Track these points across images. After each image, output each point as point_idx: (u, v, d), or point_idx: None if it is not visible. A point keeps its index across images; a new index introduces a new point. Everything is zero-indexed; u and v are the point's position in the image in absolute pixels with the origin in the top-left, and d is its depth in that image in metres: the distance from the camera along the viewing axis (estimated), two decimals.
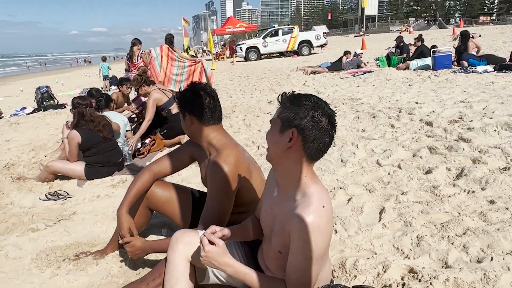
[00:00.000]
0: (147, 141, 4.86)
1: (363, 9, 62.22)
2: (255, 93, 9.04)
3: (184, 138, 4.96)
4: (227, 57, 27.23)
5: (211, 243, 1.42)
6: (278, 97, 1.40)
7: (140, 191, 2.13)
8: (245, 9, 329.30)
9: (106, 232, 2.78)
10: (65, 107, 9.91)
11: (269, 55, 23.57)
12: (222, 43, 37.18)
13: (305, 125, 1.30)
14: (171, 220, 2.30)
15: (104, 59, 15.97)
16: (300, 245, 1.30)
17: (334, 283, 1.80)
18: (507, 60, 8.85)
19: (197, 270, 1.68)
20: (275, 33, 23.31)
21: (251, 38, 26.91)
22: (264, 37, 22.98)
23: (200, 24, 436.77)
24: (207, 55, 32.04)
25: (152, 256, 2.29)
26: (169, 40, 7.44)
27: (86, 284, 2.11)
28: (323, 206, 1.33)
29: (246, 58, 22.57)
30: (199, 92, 1.94)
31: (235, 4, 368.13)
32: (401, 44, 11.78)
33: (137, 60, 8.42)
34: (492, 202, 2.48)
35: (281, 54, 23.44)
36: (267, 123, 5.59)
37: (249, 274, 1.43)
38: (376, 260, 2.00)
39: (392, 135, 4.22)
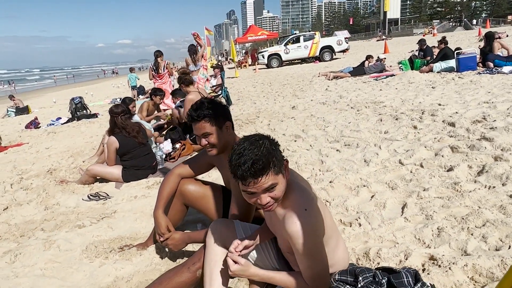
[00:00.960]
0: (178, 146, 5.13)
1: (385, 12, 61.60)
2: (278, 99, 9.24)
3: None
4: (249, 65, 27.63)
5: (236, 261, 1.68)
6: (247, 172, 1.39)
7: (170, 193, 2.35)
8: (266, 17, 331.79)
9: (145, 228, 3.03)
10: (97, 117, 10.41)
11: (291, 62, 23.78)
12: (244, 51, 37.69)
13: (280, 154, 1.48)
14: (205, 214, 2.52)
15: (132, 70, 16.59)
16: (299, 249, 1.49)
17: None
18: None
19: None
20: (297, 40, 23.50)
21: (273, 46, 27.21)
22: (286, 44, 23.22)
23: (221, 33, 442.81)
24: (229, 63, 32.56)
25: (189, 248, 2.50)
26: (193, 50, 7.84)
27: (132, 271, 2.35)
28: (305, 210, 1.49)
29: (268, 65, 22.84)
30: (218, 101, 2.16)
31: (255, 12, 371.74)
32: (424, 47, 11.73)
33: (163, 71, 8.84)
34: None
35: (303, 61, 23.60)
36: (291, 127, 5.77)
37: (273, 278, 1.69)
38: (398, 249, 2.14)
39: (414, 136, 4.32)
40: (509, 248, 2.03)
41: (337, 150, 4.25)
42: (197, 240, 2.21)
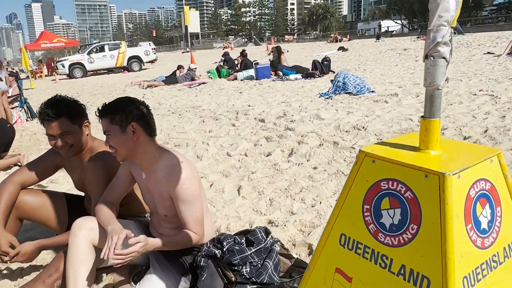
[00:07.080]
0: None
1: (186, 26, 64.72)
2: (92, 109, 8.60)
3: (24, 158, 4.54)
4: (46, 76, 24.46)
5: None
6: (96, 113, 1.73)
7: (8, 205, 2.05)
8: (58, 23, 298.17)
9: None
10: None
11: (96, 72, 22.33)
12: (38, 59, 32.91)
13: (137, 116, 1.71)
14: (45, 226, 2.29)
15: None
16: (184, 195, 1.69)
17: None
18: (310, 69, 10.97)
19: (98, 253, 1.82)
20: (101, 49, 22.19)
21: (72, 55, 24.84)
22: (89, 53, 21.65)
23: (1, 39, 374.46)
24: (20, 74, 27.89)
25: (25, 265, 2.22)
26: None
27: None
28: (182, 162, 1.75)
29: (71, 76, 20.83)
30: (75, 98, 2.07)
31: (45, 17, 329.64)
32: (228, 59, 13.10)
33: None
34: (315, 168, 3.32)
35: (110, 71, 22.50)
36: None
37: (169, 241, 1.72)
38: (243, 221, 2.50)
39: (235, 132, 4.90)
40: (320, 203, 2.65)
41: None
42: (52, 244, 2.03)
